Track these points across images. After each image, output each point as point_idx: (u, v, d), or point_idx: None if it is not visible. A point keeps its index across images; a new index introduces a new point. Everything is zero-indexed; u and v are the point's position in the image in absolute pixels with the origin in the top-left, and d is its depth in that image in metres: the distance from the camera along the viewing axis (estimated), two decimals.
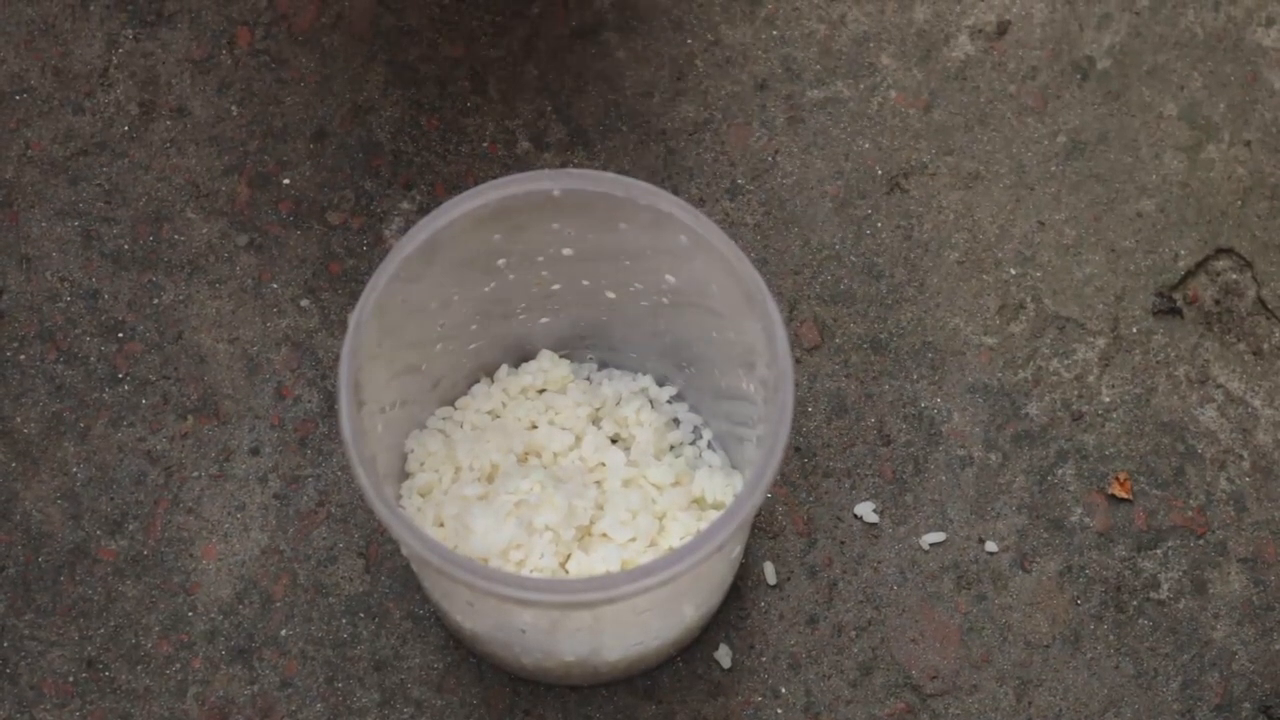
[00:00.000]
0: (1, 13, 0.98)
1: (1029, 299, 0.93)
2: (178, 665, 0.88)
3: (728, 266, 0.79)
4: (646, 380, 0.89)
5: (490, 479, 0.86)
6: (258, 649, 0.88)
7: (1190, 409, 0.91)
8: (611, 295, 0.86)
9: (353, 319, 0.78)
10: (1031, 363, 0.92)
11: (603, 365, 0.90)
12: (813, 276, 0.93)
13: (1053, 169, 0.95)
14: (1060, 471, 0.90)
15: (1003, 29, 0.97)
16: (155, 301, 0.93)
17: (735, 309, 0.82)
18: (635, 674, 0.87)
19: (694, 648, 0.88)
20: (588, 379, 0.90)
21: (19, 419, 0.91)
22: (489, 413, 0.88)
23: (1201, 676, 0.88)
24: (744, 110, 0.95)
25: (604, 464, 0.86)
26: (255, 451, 0.90)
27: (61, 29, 0.97)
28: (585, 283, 0.85)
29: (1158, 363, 0.92)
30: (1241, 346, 0.92)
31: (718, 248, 0.79)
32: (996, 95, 0.96)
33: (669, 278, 0.83)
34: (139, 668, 0.87)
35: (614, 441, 0.88)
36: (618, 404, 0.88)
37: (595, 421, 0.88)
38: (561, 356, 0.89)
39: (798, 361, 0.92)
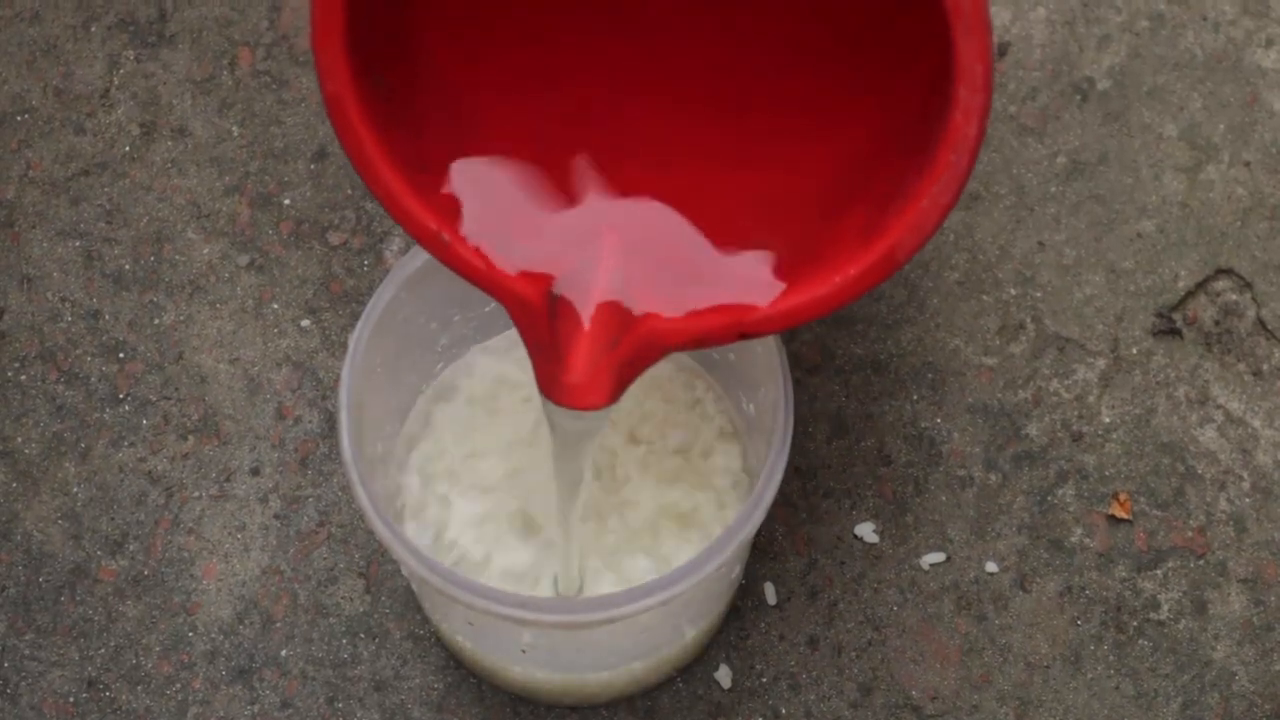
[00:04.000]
0: (3, 33, 0.98)
1: (1029, 319, 0.93)
2: (178, 685, 0.88)
3: None
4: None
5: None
6: (258, 669, 0.88)
7: (1190, 429, 0.91)
8: None
9: (353, 339, 0.79)
10: (1031, 383, 0.92)
11: None
12: None
13: (1052, 190, 0.95)
14: (1060, 492, 0.90)
15: (1002, 50, 0.97)
16: (156, 322, 0.93)
17: None
18: (635, 694, 0.87)
19: (694, 668, 0.88)
20: None
21: (20, 439, 0.91)
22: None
23: (1202, 697, 0.88)
24: None
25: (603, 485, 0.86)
26: (256, 472, 0.91)
27: (63, 49, 0.98)
28: None
29: (1157, 383, 0.92)
30: (1241, 367, 0.92)
31: None
32: (996, 116, 0.96)
33: None
34: (139, 688, 0.87)
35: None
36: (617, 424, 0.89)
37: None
38: None
39: (798, 382, 0.92)
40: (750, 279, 0.74)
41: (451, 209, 0.74)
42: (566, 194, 0.76)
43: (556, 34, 0.75)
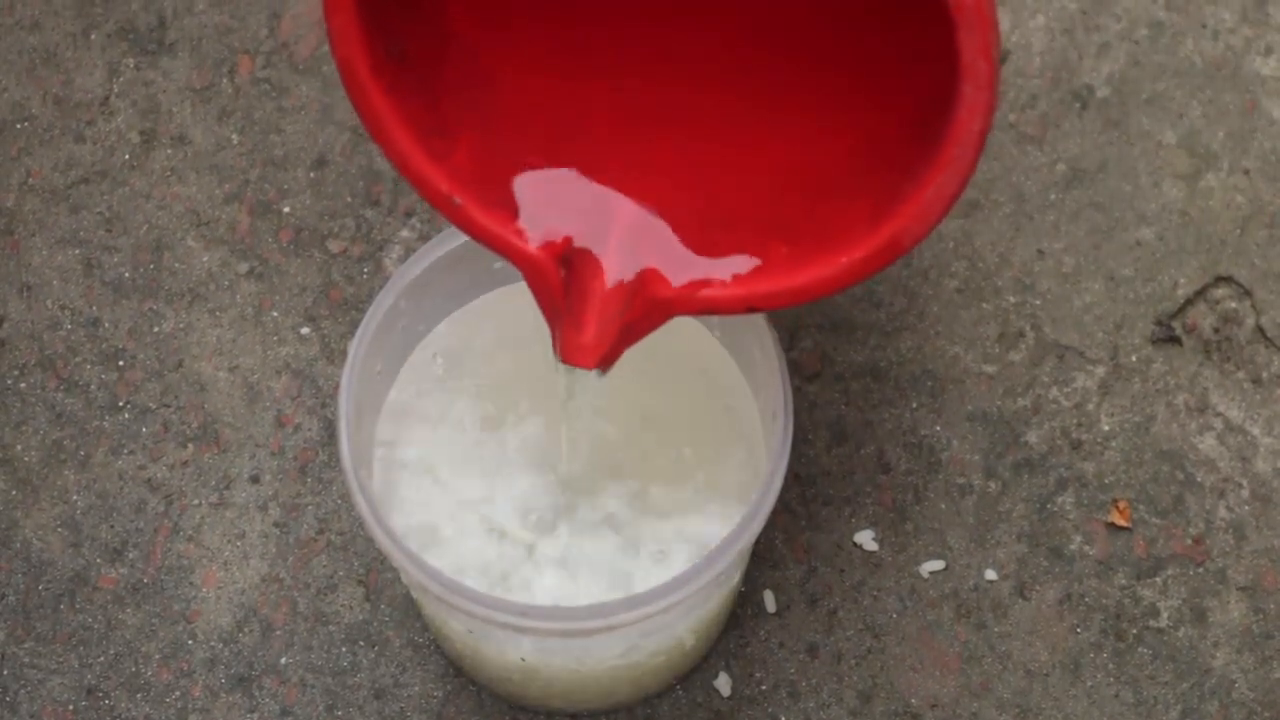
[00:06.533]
0: (2, 41, 0.98)
1: (1028, 327, 0.93)
2: (178, 693, 0.88)
3: None
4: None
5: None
6: (258, 677, 0.88)
7: (1189, 437, 0.91)
8: None
9: (353, 347, 0.79)
10: (1031, 391, 0.92)
11: None
12: (812, 304, 0.93)
13: (1052, 197, 0.95)
14: (1059, 499, 0.90)
15: (1002, 57, 0.97)
16: (156, 329, 0.93)
17: (735, 335, 0.82)
18: (634, 703, 0.87)
19: (693, 676, 0.88)
20: None
21: (19, 447, 0.91)
22: None
23: (1201, 705, 0.87)
24: None
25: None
26: (255, 479, 0.91)
27: (63, 57, 0.98)
28: None
29: (1157, 391, 0.92)
30: (1240, 375, 0.92)
31: None
32: (996, 124, 0.96)
33: None
34: (139, 696, 0.87)
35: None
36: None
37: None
38: None
39: (797, 389, 0.92)
40: (760, 255, 0.75)
41: (466, 173, 0.75)
42: (583, 162, 0.77)
43: (577, 5, 0.76)
